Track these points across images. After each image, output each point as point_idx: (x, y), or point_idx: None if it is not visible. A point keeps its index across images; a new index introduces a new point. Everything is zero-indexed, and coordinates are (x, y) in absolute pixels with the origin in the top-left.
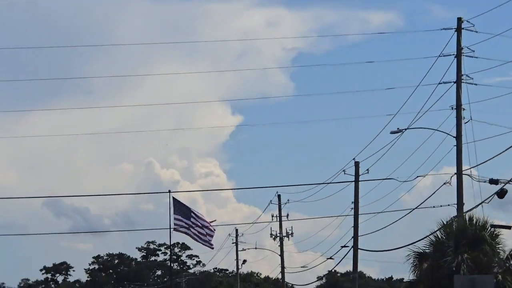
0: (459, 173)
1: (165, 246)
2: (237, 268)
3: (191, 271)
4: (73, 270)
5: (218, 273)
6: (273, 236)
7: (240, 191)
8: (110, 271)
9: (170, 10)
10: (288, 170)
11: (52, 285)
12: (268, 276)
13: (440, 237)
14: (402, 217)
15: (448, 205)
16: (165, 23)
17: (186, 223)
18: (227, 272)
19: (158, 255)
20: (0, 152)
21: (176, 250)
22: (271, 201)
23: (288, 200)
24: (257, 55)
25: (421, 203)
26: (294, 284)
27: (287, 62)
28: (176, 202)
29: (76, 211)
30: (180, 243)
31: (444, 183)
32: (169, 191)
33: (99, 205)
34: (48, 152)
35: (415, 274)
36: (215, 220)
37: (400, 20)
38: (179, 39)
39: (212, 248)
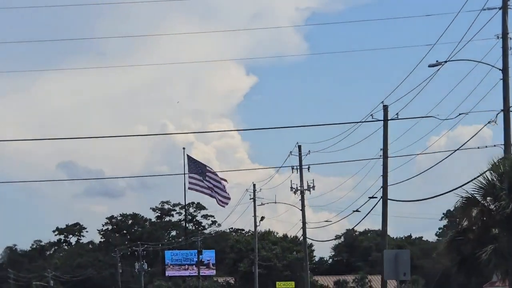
0: (507, 110)
1: (180, 206)
2: (255, 225)
3: (206, 231)
4: (86, 231)
5: (234, 233)
6: (294, 190)
7: (255, 152)
8: (124, 231)
9: None
10: (306, 130)
11: (65, 246)
12: (286, 234)
13: (490, 179)
14: (441, 160)
15: (494, 145)
16: None
17: (201, 181)
18: (243, 232)
19: (172, 215)
20: (15, 113)
21: (191, 210)
22: (291, 152)
23: (309, 151)
24: (271, 15)
25: (463, 144)
26: (314, 240)
27: (301, 22)
28: (190, 160)
29: (90, 173)
30: (195, 202)
31: (489, 122)
32: (184, 148)
33: (114, 167)
34: (62, 113)
35: (463, 222)
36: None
37: None
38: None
39: (227, 204)
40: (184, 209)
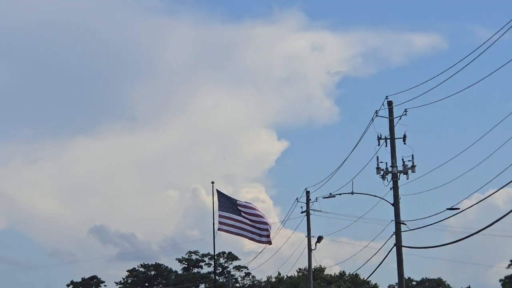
0: None
1: (209, 256)
2: (309, 254)
3: (238, 285)
4: (105, 285)
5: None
6: (382, 172)
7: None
8: (146, 284)
9: (214, 34)
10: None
11: None
12: (343, 271)
13: None
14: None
15: None
16: (209, 47)
17: (234, 220)
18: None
19: (201, 266)
20: (46, 178)
21: (222, 260)
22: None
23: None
24: (301, 80)
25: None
26: None
27: (332, 86)
28: (221, 196)
29: (122, 237)
30: (226, 252)
31: None
32: (212, 182)
33: (145, 232)
34: (92, 179)
35: None
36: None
37: (444, 42)
38: (223, 64)
39: (270, 243)
40: (213, 260)
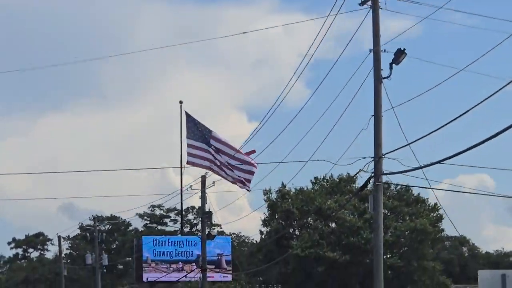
0: None
1: (176, 211)
2: None
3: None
4: (52, 244)
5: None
6: None
7: (254, 199)
8: (99, 242)
9: (186, 15)
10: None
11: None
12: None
13: None
14: None
15: None
16: (181, 28)
17: (206, 151)
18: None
19: (166, 223)
20: (15, 155)
21: (190, 216)
22: None
23: None
24: (273, 62)
25: None
26: None
27: (304, 69)
28: (190, 121)
29: (91, 214)
30: (196, 207)
31: None
32: (181, 102)
33: (114, 210)
34: (62, 157)
35: None
36: (254, 151)
37: (419, 27)
38: (195, 45)
39: (249, 190)
40: (180, 216)
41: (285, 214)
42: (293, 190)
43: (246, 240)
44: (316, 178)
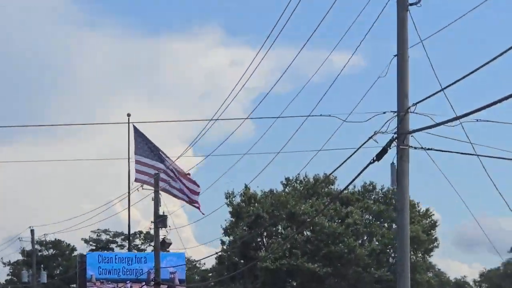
0: None
1: (123, 236)
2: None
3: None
4: None
5: None
6: None
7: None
8: (42, 266)
9: (134, 48)
10: None
11: None
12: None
13: None
14: None
15: None
16: (128, 61)
17: (156, 167)
18: None
19: (112, 249)
20: None
21: (138, 241)
22: None
23: None
24: (219, 95)
25: None
26: None
27: (249, 102)
28: (138, 136)
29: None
30: (144, 232)
31: None
32: (128, 115)
33: (60, 235)
34: (9, 189)
35: None
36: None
37: (363, 60)
38: (142, 78)
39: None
40: (127, 241)
41: (253, 220)
42: (260, 193)
43: (198, 265)
44: (287, 179)
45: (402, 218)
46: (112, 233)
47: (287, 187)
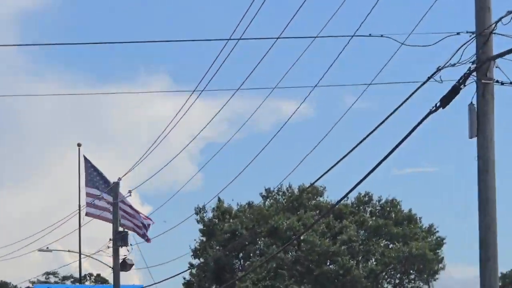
0: None
1: (72, 279)
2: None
3: None
4: None
5: None
6: None
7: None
8: None
9: (80, 97)
10: None
11: None
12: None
13: None
14: None
15: None
16: (74, 110)
17: (107, 201)
18: None
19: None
20: None
21: (88, 283)
22: None
23: None
24: (166, 145)
25: None
26: None
27: (196, 152)
28: (89, 166)
29: None
30: (95, 274)
31: None
32: (79, 145)
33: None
34: None
35: None
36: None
37: (311, 109)
38: (87, 127)
39: (149, 241)
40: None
41: (229, 237)
42: (236, 207)
43: None
44: (268, 190)
45: (486, 187)
46: (62, 275)
47: (268, 199)
